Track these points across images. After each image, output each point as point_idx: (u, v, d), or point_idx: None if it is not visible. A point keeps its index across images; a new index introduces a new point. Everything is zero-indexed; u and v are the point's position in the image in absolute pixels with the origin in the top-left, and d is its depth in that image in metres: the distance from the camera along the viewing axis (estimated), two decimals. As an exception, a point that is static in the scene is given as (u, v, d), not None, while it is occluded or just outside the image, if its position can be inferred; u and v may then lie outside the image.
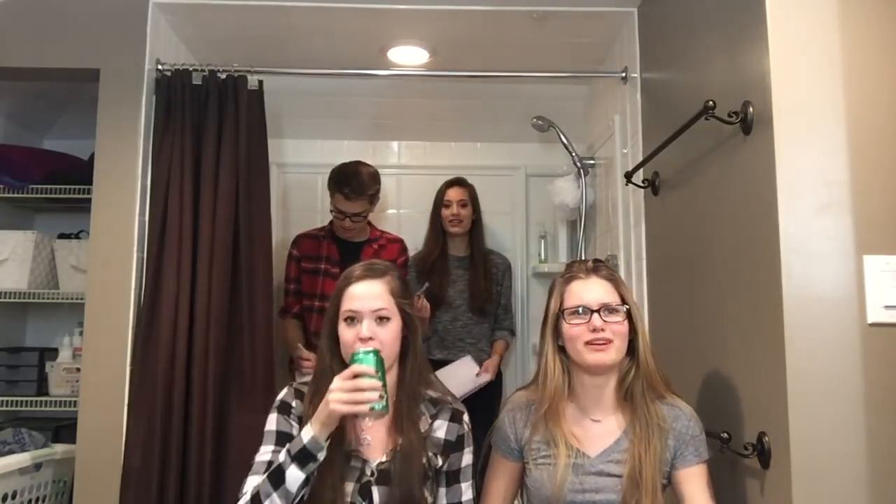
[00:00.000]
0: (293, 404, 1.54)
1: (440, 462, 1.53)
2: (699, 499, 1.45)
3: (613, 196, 2.54)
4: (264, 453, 1.49)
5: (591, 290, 1.51)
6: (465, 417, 1.58)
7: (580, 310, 1.50)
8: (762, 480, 1.45)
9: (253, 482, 1.42)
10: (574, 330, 1.49)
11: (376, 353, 1.41)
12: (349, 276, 1.54)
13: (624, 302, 1.52)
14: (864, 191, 1.42)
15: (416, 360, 1.55)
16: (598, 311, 1.48)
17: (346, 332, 1.49)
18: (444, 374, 2.66)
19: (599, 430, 1.53)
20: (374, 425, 1.53)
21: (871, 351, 1.38)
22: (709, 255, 1.78)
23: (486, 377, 2.84)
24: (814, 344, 1.38)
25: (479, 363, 2.94)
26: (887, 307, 1.39)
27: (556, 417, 1.52)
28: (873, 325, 1.39)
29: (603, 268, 1.56)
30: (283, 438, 1.50)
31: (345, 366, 1.45)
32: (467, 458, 1.56)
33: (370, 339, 1.46)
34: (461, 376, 2.79)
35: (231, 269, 2.30)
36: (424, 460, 1.50)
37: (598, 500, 1.46)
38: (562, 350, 1.55)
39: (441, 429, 1.54)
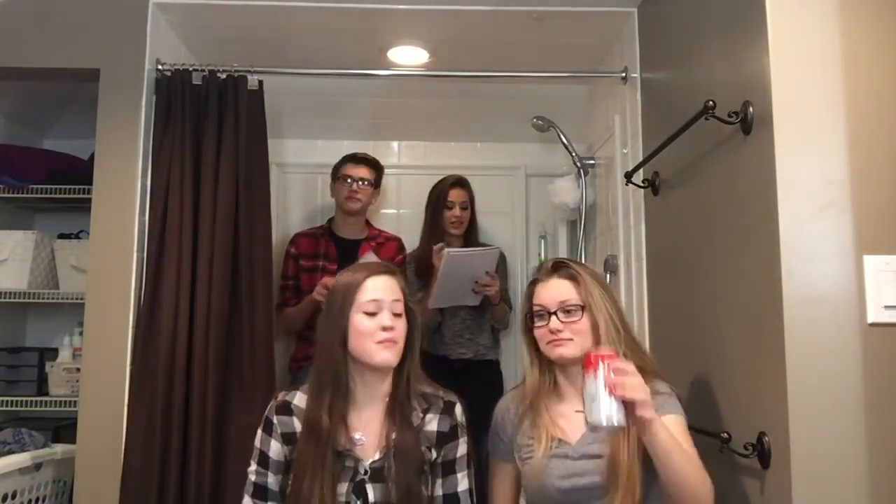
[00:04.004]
0: (274, 421, 1.56)
1: (434, 455, 1.54)
2: None
3: (613, 196, 2.54)
4: (251, 472, 1.56)
5: (549, 292, 1.57)
6: (458, 408, 1.59)
7: (540, 312, 1.57)
8: (762, 480, 1.45)
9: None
10: (538, 332, 1.58)
11: None
12: (365, 271, 1.56)
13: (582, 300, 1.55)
14: (864, 191, 1.42)
15: (414, 358, 1.58)
16: (555, 312, 1.55)
17: (366, 323, 1.51)
18: (464, 256, 2.69)
19: (581, 418, 1.52)
20: (368, 424, 1.54)
21: (871, 351, 1.38)
22: (709, 255, 1.78)
23: (488, 283, 2.75)
24: (814, 344, 1.38)
25: (479, 359, 2.95)
26: (887, 307, 1.39)
27: (538, 411, 1.57)
28: (873, 325, 1.39)
29: (563, 267, 1.61)
30: (262, 459, 1.55)
31: (350, 363, 1.53)
32: (462, 448, 1.57)
33: (392, 328, 1.51)
34: (474, 263, 2.73)
35: (231, 269, 2.30)
36: (419, 455, 1.52)
37: (583, 483, 1.49)
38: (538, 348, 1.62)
39: (433, 421, 1.56)
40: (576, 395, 1.56)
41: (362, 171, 2.84)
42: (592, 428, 1.35)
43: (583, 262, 2.80)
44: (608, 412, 1.27)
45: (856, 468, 1.35)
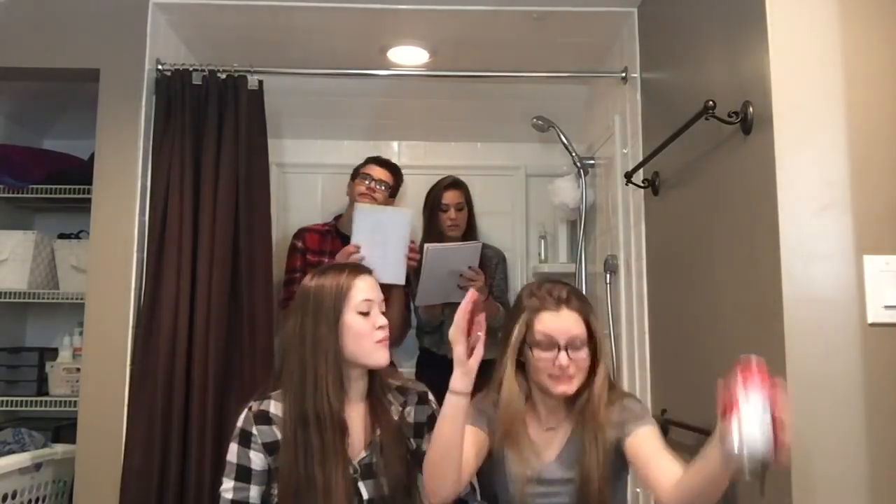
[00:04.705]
0: (253, 432, 1.53)
1: (414, 445, 1.59)
2: (657, 454, 1.43)
3: (613, 196, 2.54)
4: (227, 489, 1.51)
5: (560, 324, 1.49)
6: (430, 396, 1.65)
7: (546, 344, 1.49)
8: (762, 480, 1.45)
9: None
10: (539, 362, 1.50)
11: None
12: (348, 274, 1.58)
13: (591, 334, 1.51)
14: (864, 191, 1.42)
15: None
16: (565, 347, 1.48)
17: (362, 323, 1.54)
18: (445, 250, 2.69)
19: (553, 437, 1.57)
20: (352, 423, 1.55)
21: (871, 351, 1.38)
22: (709, 255, 1.78)
23: (472, 277, 2.74)
24: (814, 344, 1.38)
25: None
26: (887, 307, 1.39)
27: (515, 437, 1.53)
28: (873, 325, 1.39)
29: (573, 298, 1.53)
30: (242, 473, 1.51)
31: (345, 359, 1.53)
32: None
33: (385, 326, 1.56)
34: (457, 257, 2.73)
35: (231, 269, 2.30)
36: (404, 447, 1.56)
37: (556, 501, 1.52)
38: (521, 366, 1.55)
39: (412, 413, 1.61)
40: (550, 416, 1.58)
41: (383, 174, 2.84)
42: (743, 461, 1.08)
43: (582, 261, 2.81)
44: (769, 440, 1.06)
45: (856, 468, 1.36)
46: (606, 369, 1.55)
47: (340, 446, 1.49)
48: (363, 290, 1.56)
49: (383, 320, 1.56)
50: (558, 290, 1.54)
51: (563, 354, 1.48)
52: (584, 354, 1.50)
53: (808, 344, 1.38)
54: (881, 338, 1.39)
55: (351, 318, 1.53)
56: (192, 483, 2.14)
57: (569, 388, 1.50)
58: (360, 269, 1.62)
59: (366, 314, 1.54)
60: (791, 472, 1.34)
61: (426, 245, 2.65)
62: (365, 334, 1.53)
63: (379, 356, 1.54)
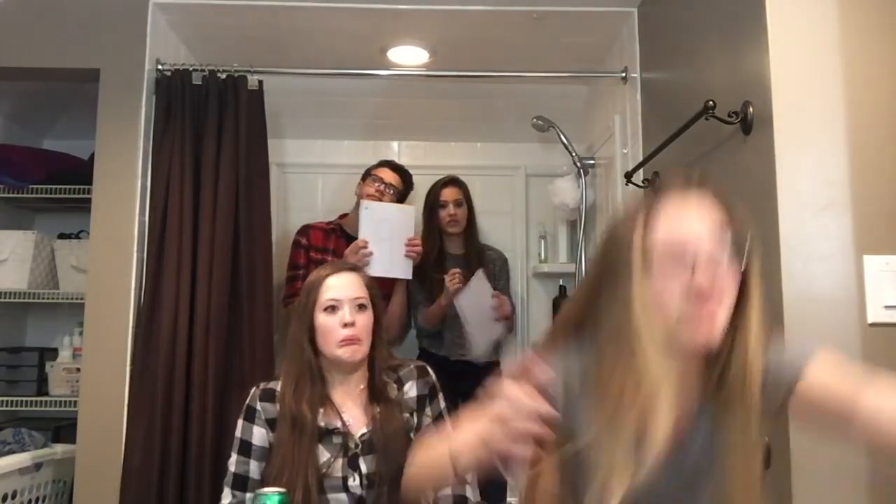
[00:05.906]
0: (258, 408, 1.60)
1: (416, 420, 1.62)
2: (837, 380, 0.98)
3: (613, 196, 2.54)
4: (231, 462, 1.59)
5: (692, 226, 0.92)
6: (429, 369, 1.69)
7: (675, 257, 0.92)
8: (762, 480, 1.45)
9: (227, 496, 1.55)
10: (667, 293, 0.92)
11: (282, 497, 1.27)
12: (324, 271, 1.63)
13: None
14: (864, 191, 1.42)
15: (382, 340, 1.66)
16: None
17: (327, 321, 1.57)
18: (466, 299, 2.71)
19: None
20: (352, 405, 1.61)
21: (871, 351, 1.38)
22: (709, 255, 1.78)
23: (501, 304, 2.82)
24: (814, 344, 1.38)
25: (480, 362, 2.94)
26: (887, 307, 1.39)
27: None
28: (873, 325, 1.39)
29: (707, 184, 0.97)
30: (244, 447, 1.58)
31: (320, 357, 1.58)
32: (443, 402, 1.68)
33: (353, 324, 1.56)
34: (480, 296, 2.77)
35: (231, 269, 2.31)
36: (402, 426, 1.59)
37: None
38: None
39: (412, 388, 1.64)
40: None
41: (393, 178, 2.83)
42: None
43: (582, 261, 2.81)
44: None
45: (855, 467, 1.36)
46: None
47: (293, 440, 1.52)
48: (331, 289, 1.59)
49: (350, 318, 1.56)
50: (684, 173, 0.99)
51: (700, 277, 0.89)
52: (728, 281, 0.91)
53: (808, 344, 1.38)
54: (881, 338, 1.39)
55: (319, 316, 1.58)
56: (192, 483, 2.14)
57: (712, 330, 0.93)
58: (340, 267, 1.65)
59: (332, 312, 1.57)
60: (791, 471, 1.35)
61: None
62: (329, 331, 1.56)
63: (341, 353, 1.56)
